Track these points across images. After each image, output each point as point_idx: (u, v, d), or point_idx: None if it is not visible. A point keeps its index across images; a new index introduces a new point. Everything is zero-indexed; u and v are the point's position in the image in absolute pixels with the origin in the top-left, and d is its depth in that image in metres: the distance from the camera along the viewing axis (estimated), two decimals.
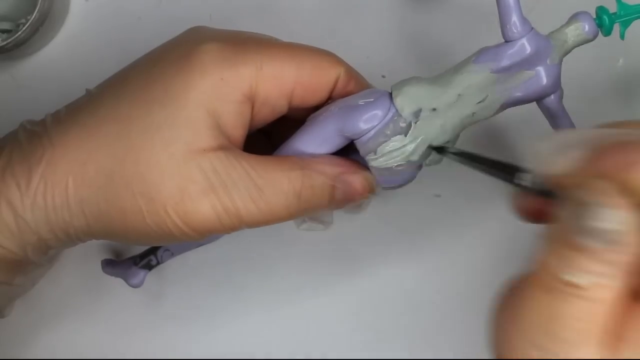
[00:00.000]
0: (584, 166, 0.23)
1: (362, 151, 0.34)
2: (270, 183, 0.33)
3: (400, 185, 0.36)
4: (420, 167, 0.35)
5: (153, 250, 0.40)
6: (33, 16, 0.42)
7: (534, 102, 0.34)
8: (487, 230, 0.43)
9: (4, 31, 0.43)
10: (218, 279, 0.44)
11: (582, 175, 0.23)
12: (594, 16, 0.33)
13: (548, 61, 0.33)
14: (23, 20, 0.43)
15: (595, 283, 0.22)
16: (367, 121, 0.34)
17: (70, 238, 0.34)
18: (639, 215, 0.22)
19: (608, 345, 0.23)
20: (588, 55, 0.40)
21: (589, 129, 0.24)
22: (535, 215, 0.27)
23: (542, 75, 0.33)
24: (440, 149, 0.34)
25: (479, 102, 0.33)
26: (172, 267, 0.43)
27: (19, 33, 0.42)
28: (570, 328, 0.22)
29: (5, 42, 0.42)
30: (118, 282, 0.41)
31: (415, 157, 0.34)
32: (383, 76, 0.43)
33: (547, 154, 0.24)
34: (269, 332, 0.44)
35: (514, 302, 0.24)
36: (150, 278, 0.41)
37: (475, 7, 0.43)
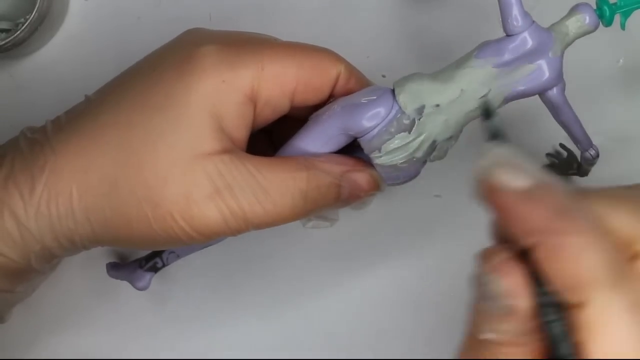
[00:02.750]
0: (507, 202, 0.22)
1: (366, 149, 0.34)
2: (276, 184, 0.33)
3: (404, 181, 0.36)
4: (424, 162, 0.35)
5: (158, 253, 0.40)
6: (32, 16, 0.41)
7: (537, 95, 0.35)
8: (487, 231, 0.43)
9: (2, 30, 0.43)
10: (220, 279, 0.44)
11: (501, 214, 0.23)
12: (595, 7, 0.34)
13: (550, 54, 0.33)
14: (22, 20, 0.42)
15: (500, 340, 0.23)
16: (371, 119, 0.33)
17: (75, 246, 0.34)
18: (530, 284, 0.22)
19: None
20: (588, 55, 0.41)
21: (550, 176, 0.23)
22: None
23: (544, 68, 0.33)
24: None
25: (482, 97, 0.33)
26: (176, 269, 0.43)
27: (18, 32, 0.41)
28: None
29: (4, 42, 0.41)
30: (122, 284, 0.41)
31: (419, 154, 0.34)
32: (383, 76, 0.43)
33: (492, 170, 0.23)
34: (270, 332, 0.44)
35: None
36: (154, 280, 0.41)
37: (476, 5, 0.43)
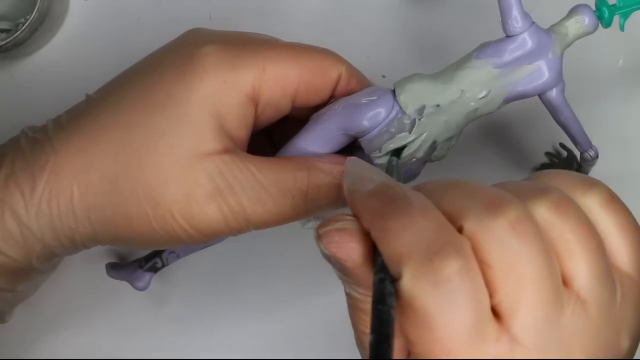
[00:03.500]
0: (356, 199, 0.27)
1: (366, 149, 0.34)
2: (277, 184, 0.33)
3: (405, 182, 0.36)
4: (424, 162, 0.35)
5: (158, 253, 0.40)
6: (32, 16, 0.41)
7: (536, 96, 0.35)
8: None
9: (3, 31, 0.43)
10: (220, 279, 0.44)
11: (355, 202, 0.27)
12: (594, 8, 0.34)
13: (549, 55, 0.33)
14: (22, 20, 0.43)
15: (352, 295, 0.27)
16: (371, 119, 0.34)
17: (76, 245, 0.34)
18: (363, 254, 0.26)
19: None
20: (588, 56, 0.41)
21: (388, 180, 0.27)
22: None
23: (543, 69, 0.33)
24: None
25: (482, 98, 0.33)
26: (175, 269, 0.43)
27: (18, 33, 0.41)
28: (356, 327, 0.28)
29: (4, 42, 0.42)
30: (121, 284, 0.41)
31: (420, 154, 0.34)
32: (383, 76, 0.43)
33: (353, 174, 0.28)
34: (270, 332, 0.44)
35: None
36: (154, 280, 0.41)
37: (475, 5, 0.44)
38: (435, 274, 0.23)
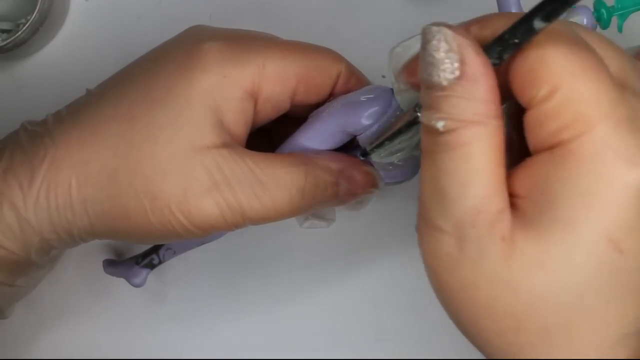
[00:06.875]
0: None
1: (364, 147, 0.34)
2: (274, 179, 0.33)
3: (403, 181, 0.36)
4: None
5: (155, 249, 0.40)
6: (33, 16, 0.42)
7: None
8: None
9: (3, 31, 0.44)
10: (218, 278, 0.44)
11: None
12: (592, 10, 0.34)
13: None
14: (23, 20, 0.43)
15: (449, 126, 0.23)
16: (369, 117, 0.34)
17: (73, 238, 0.34)
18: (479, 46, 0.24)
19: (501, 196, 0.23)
20: None
21: None
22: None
23: None
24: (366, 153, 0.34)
25: None
26: (173, 267, 0.43)
27: (19, 33, 0.42)
28: (449, 181, 0.24)
29: (5, 42, 0.42)
30: (119, 281, 0.41)
31: (417, 152, 0.34)
32: (383, 76, 0.43)
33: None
34: (269, 331, 0.44)
35: None
36: (151, 277, 0.41)
37: (475, 6, 0.43)
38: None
